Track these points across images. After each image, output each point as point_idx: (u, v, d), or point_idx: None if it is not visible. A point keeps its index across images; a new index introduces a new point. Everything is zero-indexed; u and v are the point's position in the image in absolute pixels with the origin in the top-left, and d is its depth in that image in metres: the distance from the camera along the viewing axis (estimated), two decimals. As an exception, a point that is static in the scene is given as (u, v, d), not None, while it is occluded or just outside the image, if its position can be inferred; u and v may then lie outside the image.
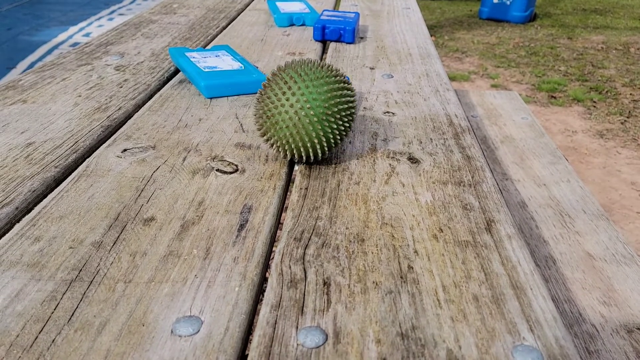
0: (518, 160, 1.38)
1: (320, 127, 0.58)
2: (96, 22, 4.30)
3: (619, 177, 2.23)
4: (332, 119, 0.58)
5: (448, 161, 0.67)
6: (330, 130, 0.59)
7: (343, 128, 0.61)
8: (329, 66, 0.62)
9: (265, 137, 0.60)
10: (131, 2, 5.13)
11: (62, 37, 3.80)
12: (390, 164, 0.65)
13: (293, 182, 0.61)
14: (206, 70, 0.85)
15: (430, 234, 0.52)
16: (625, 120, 2.81)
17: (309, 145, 0.59)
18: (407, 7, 1.56)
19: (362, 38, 1.22)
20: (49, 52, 3.45)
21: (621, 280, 0.93)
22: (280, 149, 0.60)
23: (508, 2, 5.10)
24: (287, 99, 0.58)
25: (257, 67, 0.98)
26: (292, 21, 1.29)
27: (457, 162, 0.67)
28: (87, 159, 0.62)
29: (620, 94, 3.20)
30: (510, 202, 1.19)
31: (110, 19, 4.44)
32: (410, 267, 0.47)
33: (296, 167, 0.64)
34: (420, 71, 1.01)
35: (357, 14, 1.27)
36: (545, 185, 1.26)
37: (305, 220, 0.53)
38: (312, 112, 0.57)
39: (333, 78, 0.60)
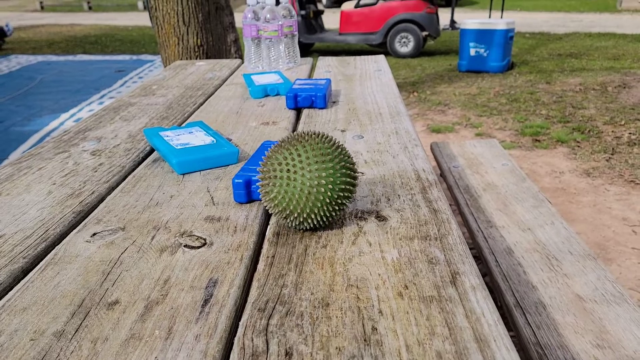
0: (501, 206, 1.39)
1: (329, 200, 0.60)
2: (87, 107, 4.42)
3: (610, 214, 2.23)
4: (340, 193, 0.61)
5: (415, 216, 0.67)
6: (336, 201, 0.61)
7: (348, 196, 0.63)
8: (332, 140, 0.64)
9: (274, 208, 0.62)
10: (121, 86, 5.30)
11: (53, 124, 3.90)
12: (358, 224, 0.66)
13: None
14: (178, 147, 0.88)
15: (395, 292, 0.52)
16: (610, 157, 2.84)
17: (315, 214, 0.61)
18: (378, 69, 1.62)
19: (334, 102, 1.26)
20: (40, 140, 3.53)
21: (613, 320, 0.92)
22: (289, 220, 0.62)
23: (485, 54, 5.29)
24: (296, 172, 0.60)
25: (231, 140, 1.00)
26: (266, 92, 1.33)
27: (423, 217, 0.67)
28: (57, 247, 0.63)
29: (602, 132, 3.26)
30: (496, 250, 1.19)
31: (101, 103, 4.57)
32: (374, 329, 0.47)
33: (267, 233, 0.64)
34: (390, 129, 1.04)
35: (329, 80, 1.31)
36: (530, 230, 1.26)
37: (270, 290, 0.53)
38: (322, 189, 0.60)
39: (337, 152, 0.62)
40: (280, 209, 0.61)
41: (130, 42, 8.58)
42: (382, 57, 1.80)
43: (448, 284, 0.53)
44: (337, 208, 0.62)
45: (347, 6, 6.82)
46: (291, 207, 0.60)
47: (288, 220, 0.62)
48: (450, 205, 2.13)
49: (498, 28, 5.12)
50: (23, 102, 4.68)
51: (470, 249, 2.02)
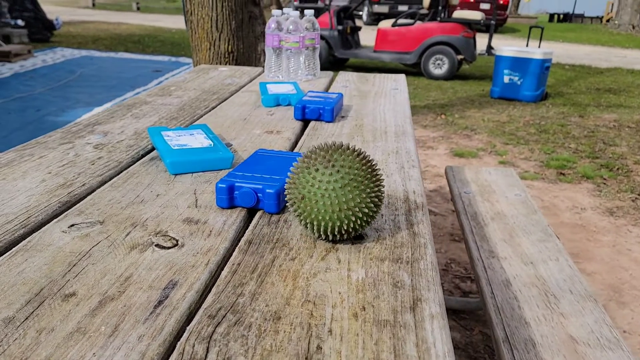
0: (507, 237, 1.36)
1: (354, 219, 0.61)
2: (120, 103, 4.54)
3: (629, 256, 2.15)
4: (365, 211, 0.61)
5: (392, 238, 0.66)
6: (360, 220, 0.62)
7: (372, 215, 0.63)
8: (363, 155, 0.64)
9: (298, 214, 0.63)
10: (155, 85, 5.43)
11: (85, 117, 4.01)
12: (332, 240, 0.65)
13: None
14: (175, 147, 0.89)
15: (351, 312, 0.51)
16: (636, 198, 2.75)
17: (337, 231, 0.61)
18: (395, 88, 1.61)
19: (343, 117, 1.25)
20: (72, 131, 3.63)
21: (603, 366, 0.88)
22: (314, 228, 0.62)
23: (519, 82, 5.22)
24: (320, 182, 0.61)
25: (231, 145, 1.01)
26: (278, 101, 1.34)
27: (401, 239, 0.66)
28: (34, 234, 0.64)
29: (632, 171, 3.16)
30: (494, 281, 1.16)
31: (134, 100, 4.68)
32: (319, 348, 0.46)
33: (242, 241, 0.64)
34: (391, 148, 1.03)
35: (340, 94, 1.31)
36: (532, 264, 1.22)
37: (226, 297, 0.52)
38: (349, 212, 0.60)
39: (367, 171, 0.63)
40: (304, 222, 0.63)
41: (171, 44, 8.78)
42: (402, 76, 1.79)
43: (407, 310, 0.52)
44: (361, 225, 0.62)
45: (384, 24, 6.84)
46: (315, 222, 0.61)
47: (311, 230, 0.63)
48: (460, 229, 2.08)
49: (534, 57, 5.04)
50: (61, 94, 4.83)
51: (469, 278, 1.98)
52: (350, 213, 0.60)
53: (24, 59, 6.40)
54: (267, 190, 0.71)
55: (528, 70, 5.13)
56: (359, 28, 7.30)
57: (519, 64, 5.16)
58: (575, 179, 3.01)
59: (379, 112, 1.31)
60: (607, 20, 17.74)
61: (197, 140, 0.94)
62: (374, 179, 0.63)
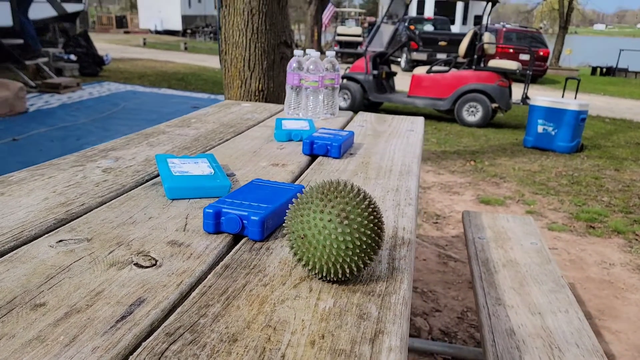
0: (517, 285, 1.32)
1: (349, 260, 0.60)
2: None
3: (658, 316, 2.03)
4: (361, 254, 0.60)
5: (370, 270, 0.66)
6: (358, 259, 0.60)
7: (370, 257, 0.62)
8: (362, 195, 0.64)
9: (296, 255, 0.62)
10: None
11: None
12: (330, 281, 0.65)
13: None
14: (176, 174, 0.91)
15: (309, 339, 0.50)
16: (670, 256, 2.62)
17: (332, 271, 0.60)
18: (410, 130, 1.62)
19: (351, 154, 1.26)
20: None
21: None
22: (311, 269, 0.61)
23: (553, 132, 5.14)
24: (320, 231, 0.60)
25: (234, 175, 1.03)
26: (290, 137, 1.37)
27: (379, 273, 0.66)
28: (22, 247, 0.66)
29: (667, 227, 3.02)
30: (497, 329, 1.12)
31: (170, 134, 4.84)
32: (267, 372, 0.45)
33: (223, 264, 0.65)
34: (392, 186, 1.03)
35: (351, 132, 1.33)
36: (540, 314, 1.18)
37: (188, 317, 0.53)
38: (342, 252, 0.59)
39: (365, 209, 0.62)
40: (301, 262, 0.62)
41: (213, 83, 9.10)
42: (420, 119, 1.80)
43: (366, 341, 0.51)
44: (359, 266, 0.61)
45: (419, 70, 6.92)
46: (310, 261, 0.60)
47: (307, 269, 0.62)
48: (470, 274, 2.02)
49: (569, 108, 4.98)
50: (102, 125, 5.04)
51: (473, 325, 1.91)
52: (349, 257, 0.59)
53: (72, 91, 6.74)
54: (252, 217, 0.72)
55: (563, 120, 5.06)
56: (395, 73, 7.40)
57: (553, 114, 5.10)
58: (606, 233, 2.90)
59: (389, 151, 1.32)
60: (652, 75, 17.39)
61: (199, 168, 0.96)
62: (375, 220, 0.62)
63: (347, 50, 16.48)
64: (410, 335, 1.87)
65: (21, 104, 5.31)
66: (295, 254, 0.62)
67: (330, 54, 1.70)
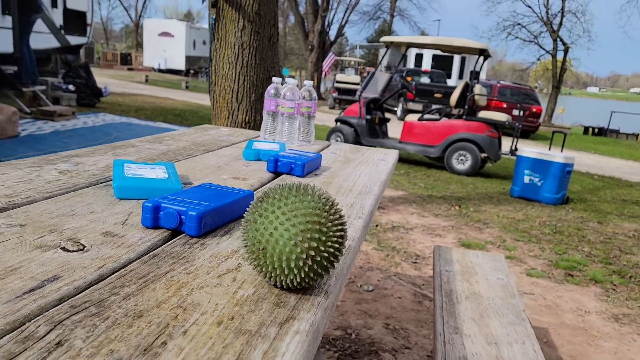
0: (477, 316, 1.30)
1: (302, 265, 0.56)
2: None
3: (630, 365, 2.00)
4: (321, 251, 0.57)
5: (300, 269, 0.65)
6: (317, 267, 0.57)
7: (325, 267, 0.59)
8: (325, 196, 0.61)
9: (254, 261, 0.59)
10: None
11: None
12: (239, 263, 0.65)
13: (128, 266, 0.61)
14: (128, 175, 0.92)
15: (217, 320, 0.50)
16: (646, 306, 2.60)
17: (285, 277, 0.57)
18: (382, 159, 1.63)
19: (316, 175, 1.27)
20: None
21: None
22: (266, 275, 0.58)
23: (539, 183, 5.19)
24: (275, 229, 0.57)
25: (190, 184, 1.03)
26: (259, 156, 1.38)
27: (308, 271, 0.65)
28: (-47, 226, 0.66)
29: (646, 280, 3.01)
30: (451, 356, 1.10)
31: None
32: (164, 343, 0.45)
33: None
34: (348, 202, 1.03)
35: (319, 155, 1.35)
36: (496, 344, 1.16)
37: (99, 294, 0.52)
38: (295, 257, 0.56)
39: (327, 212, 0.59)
40: (255, 263, 0.59)
41: (209, 119, 9.21)
42: (394, 152, 1.83)
43: (275, 324, 0.50)
44: (314, 276, 0.57)
45: (411, 117, 7.04)
46: (271, 274, 0.57)
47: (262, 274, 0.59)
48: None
49: (555, 160, 5.05)
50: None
51: (430, 355, 1.86)
52: (309, 267, 0.56)
53: (66, 119, 6.79)
54: (190, 213, 0.72)
55: (549, 172, 5.12)
56: (388, 120, 7.53)
57: (540, 165, 5.17)
58: (584, 281, 2.89)
59: (354, 175, 1.33)
60: (643, 138, 17.73)
61: (154, 172, 0.97)
62: (338, 223, 0.59)
63: (345, 97, 16.81)
64: (377, 371, 1.83)
65: (13, 128, 5.34)
66: (254, 265, 0.58)
67: (309, 83, 1.73)
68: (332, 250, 0.58)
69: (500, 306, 1.38)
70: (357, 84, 18.18)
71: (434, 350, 1.13)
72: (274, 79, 1.73)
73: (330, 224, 0.58)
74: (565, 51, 23.31)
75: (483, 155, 6.48)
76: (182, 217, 0.72)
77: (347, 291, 2.46)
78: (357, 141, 6.92)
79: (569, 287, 2.78)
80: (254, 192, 1.03)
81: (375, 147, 7.41)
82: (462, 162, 6.58)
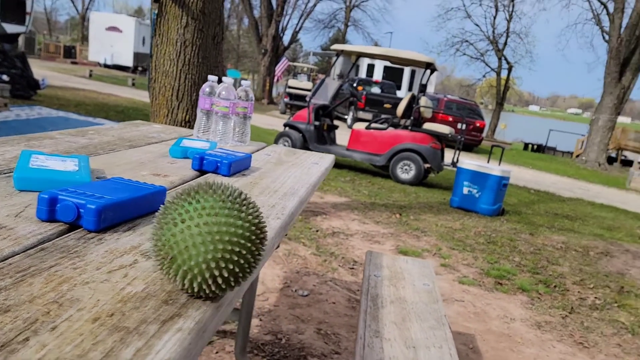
0: (399, 320, 1.31)
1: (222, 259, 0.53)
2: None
3: (548, 370, 2.08)
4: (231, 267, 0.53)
5: (200, 266, 0.63)
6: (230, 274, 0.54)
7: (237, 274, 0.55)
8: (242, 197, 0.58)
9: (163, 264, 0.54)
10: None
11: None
12: (136, 260, 0.62)
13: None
14: (33, 167, 0.86)
15: (93, 316, 0.47)
16: (566, 316, 2.73)
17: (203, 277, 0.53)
18: (316, 163, 1.63)
19: (244, 175, 1.25)
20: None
21: None
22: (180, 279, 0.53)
23: (477, 195, 5.36)
24: (183, 231, 0.53)
25: (105, 177, 0.99)
26: (186, 154, 1.34)
27: (208, 268, 0.63)
28: None
29: (568, 290, 3.16)
30: (367, 359, 1.10)
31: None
32: (26, 340, 0.41)
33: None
34: (270, 203, 1.02)
35: (249, 155, 1.32)
36: (414, 348, 1.17)
37: (-34, 286, 0.48)
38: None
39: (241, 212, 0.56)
40: (162, 266, 0.54)
41: (153, 118, 8.96)
42: (330, 157, 1.83)
43: (157, 322, 0.48)
44: (226, 286, 0.54)
45: (358, 125, 7.13)
46: (168, 268, 0.53)
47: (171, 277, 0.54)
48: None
49: (492, 173, 5.24)
50: (24, 146, 4.80)
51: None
52: (227, 271, 0.53)
53: (-1, 111, 6.44)
54: (89, 206, 0.68)
55: (486, 184, 5.30)
56: (336, 127, 7.58)
57: (478, 177, 5.34)
58: (512, 290, 2.99)
59: (283, 176, 1.31)
60: (577, 156, 18.74)
61: (63, 165, 0.92)
62: (256, 228, 0.57)
63: (297, 103, 16.84)
64: (304, 376, 1.82)
65: (-63, 117, 5.01)
66: (161, 268, 0.54)
67: (246, 83, 1.71)
68: (248, 257, 0.55)
69: (422, 311, 1.40)
70: (309, 90, 18.26)
71: (354, 353, 1.13)
72: (210, 77, 1.70)
73: (248, 231, 0.55)
74: (509, 70, 24.36)
75: (426, 165, 6.64)
76: (81, 210, 0.69)
77: (282, 296, 2.44)
78: (304, 146, 6.92)
79: (497, 295, 2.88)
80: (171, 190, 1.00)
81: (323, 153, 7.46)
82: (406, 171, 6.72)
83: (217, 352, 1.85)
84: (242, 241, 0.54)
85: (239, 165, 1.26)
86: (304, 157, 1.72)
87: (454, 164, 6.73)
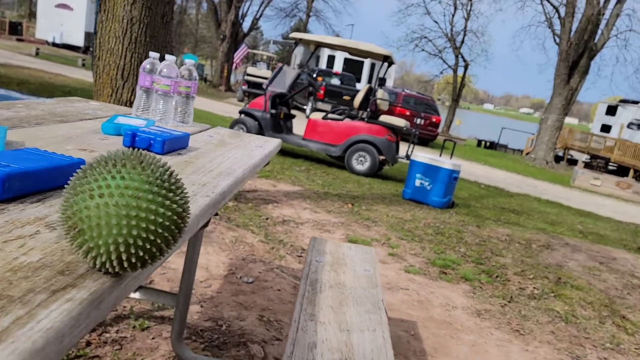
0: (336, 304, 1.31)
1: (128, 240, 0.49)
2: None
3: (484, 357, 2.14)
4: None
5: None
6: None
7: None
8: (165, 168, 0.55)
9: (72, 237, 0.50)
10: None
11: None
12: (38, 231, 0.58)
13: None
14: (-60, 134, 0.80)
15: (-27, 285, 0.43)
16: (506, 304, 2.82)
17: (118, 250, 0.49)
18: (260, 146, 1.60)
19: (179, 154, 1.21)
20: None
21: None
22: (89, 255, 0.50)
23: (428, 187, 5.46)
24: (98, 205, 0.49)
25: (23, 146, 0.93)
26: (119, 131, 1.29)
27: (118, 241, 0.60)
28: None
29: (509, 280, 3.27)
30: (300, 342, 1.09)
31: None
32: None
33: None
34: (201, 181, 0.99)
35: (187, 134, 1.28)
36: (348, 331, 1.17)
37: None
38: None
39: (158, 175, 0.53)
40: (71, 240, 0.50)
41: (104, 101, 8.66)
42: (276, 141, 1.80)
43: (46, 291, 0.45)
44: (131, 266, 0.50)
45: (315, 115, 7.12)
46: (78, 241, 0.49)
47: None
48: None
49: (443, 167, 5.34)
50: None
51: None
52: (133, 251, 0.49)
53: None
54: (-10, 173, 0.63)
55: (437, 177, 5.41)
56: (293, 116, 7.54)
57: (430, 170, 5.44)
58: (455, 279, 3.07)
59: (223, 157, 1.28)
60: (527, 154, 19.41)
61: (-24, 133, 0.86)
62: (177, 203, 0.53)
63: (255, 91, 16.66)
64: (244, 362, 1.80)
65: None
66: (76, 246, 0.50)
67: (190, 62, 1.66)
68: (162, 245, 0.52)
69: (360, 296, 1.40)
70: (268, 78, 18.11)
71: (286, 337, 1.12)
72: (152, 54, 1.64)
73: (169, 220, 0.51)
74: (466, 67, 24.91)
75: (381, 157, 6.70)
76: (-19, 178, 0.64)
77: (226, 282, 2.41)
78: (260, 134, 6.85)
79: (441, 284, 2.94)
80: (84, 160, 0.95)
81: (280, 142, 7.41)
82: (361, 162, 6.76)
83: (153, 338, 1.81)
84: (160, 230, 0.51)
85: (175, 144, 1.22)
86: (249, 140, 1.69)
87: (407, 156, 6.83)
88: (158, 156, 1.11)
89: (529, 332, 2.51)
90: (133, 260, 0.50)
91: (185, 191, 0.57)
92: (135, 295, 1.80)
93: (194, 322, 1.98)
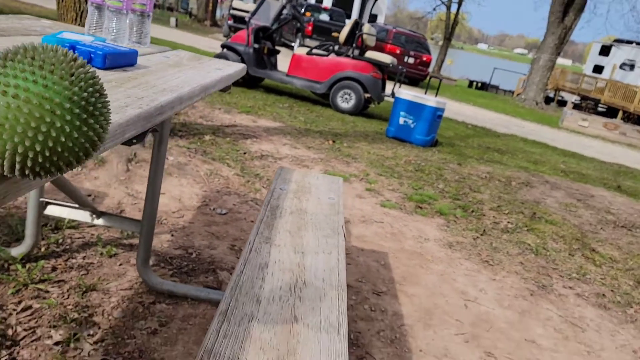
0: (294, 229, 1.30)
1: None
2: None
3: (451, 285, 2.18)
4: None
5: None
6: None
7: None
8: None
9: None
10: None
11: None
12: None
13: None
14: None
15: None
16: (478, 237, 2.85)
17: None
18: (218, 69, 1.54)
19: (124, 70, 1.15)
20: None
21: (308, 348, 0.81)
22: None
23: (412, 125, 5.41)
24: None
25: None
26: (62, 46, 1.21)
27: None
28: None
29: (484, 215, 3.30)
30: (252, 262, 1.08)
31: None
32: None
33: None
34: (137, 95, 0.93)
35: (135, 50, 1.21)
36: (302, 253, 1.16)
37: None
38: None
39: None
40: None
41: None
42: (240, 66, 1.73)
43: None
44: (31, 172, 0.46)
45: (300, 50, 6.92)
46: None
47: None
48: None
49: (428, 104, 5.27)
50: None
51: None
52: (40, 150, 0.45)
53: None
54: None
55: (421, 115, 5.35)
56: (278, 51, 7.33)
57: (414, 108, 5.37)
58: (430, 213, 3.09)
59: (171, 76, 1.22)
60: (517, 95, 19.26)
61: None
62: (94, 105, 0.49)
63: (241, 26, 16.14)
64: (211, 287, 1.81)
65: None
66: None
67: (146, -22, 1.55)
68: (70, 159, 0.47)
69: (321, 222, 1.39)
70: (255, 14, 17.51)
71: (238, 259, 1.11)
72: (105, -34, 1.53)
73: (85, 127, 0.47)
74: (459, 3, 24.20)
75: (367, 95, 6.59)
76: None
77: (199, 214, 2.39)
78: (243, 70, 6.67)
79: (416, 217, 2.96)
80: None
81: (261, 78, 7.24)
82: (346, 100, 6.65)
83: (120, 264, 1.80)
84: (66, 154, 0.46)
85: (119, 59, 1.15)
86: (210, 63, 1.62)
87: (393, 94, 6.73)
88: (93, 69, 1.04)
89: (498, 263, 2.55)
90: (26, 172, 0.46)
91: (109, 116, 0.51)
92: (99, 222, 1.78)
93: (163, 250, 1.98)
